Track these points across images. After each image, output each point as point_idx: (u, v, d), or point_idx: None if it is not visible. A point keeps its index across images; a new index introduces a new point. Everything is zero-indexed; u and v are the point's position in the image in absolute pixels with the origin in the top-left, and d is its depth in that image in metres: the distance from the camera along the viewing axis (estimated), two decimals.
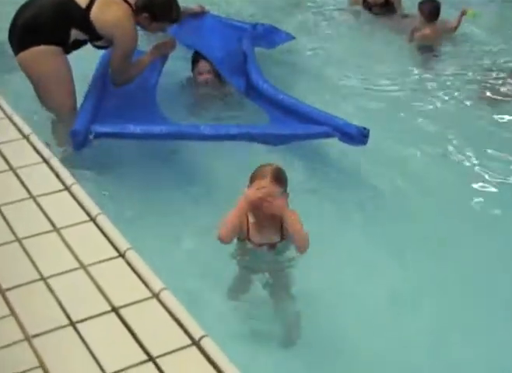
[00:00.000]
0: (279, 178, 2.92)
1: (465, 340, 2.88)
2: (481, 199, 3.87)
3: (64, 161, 3.46)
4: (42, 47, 4.04)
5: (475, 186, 4.00)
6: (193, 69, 4.76)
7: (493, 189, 3.98)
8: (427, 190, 3.95)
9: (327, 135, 3.96)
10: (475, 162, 4.23)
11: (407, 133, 4.59)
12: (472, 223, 3.65)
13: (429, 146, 4.42)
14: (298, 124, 4.13)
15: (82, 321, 2.34)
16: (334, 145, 4.11)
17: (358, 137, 3.86)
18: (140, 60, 4.34)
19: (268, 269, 3.05)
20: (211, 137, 3.88)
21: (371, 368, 2.74)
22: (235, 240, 3.03)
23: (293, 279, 3.06)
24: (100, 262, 2.63)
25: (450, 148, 4.40)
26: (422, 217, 3.69)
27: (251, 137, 3.95)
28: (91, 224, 2.86)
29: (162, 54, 4.55)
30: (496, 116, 4.80)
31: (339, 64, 5.62)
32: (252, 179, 2.95)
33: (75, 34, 4.08)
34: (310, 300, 3.01)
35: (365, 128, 3.85)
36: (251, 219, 2.98)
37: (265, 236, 3.00)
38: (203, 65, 4.69)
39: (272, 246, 3.02)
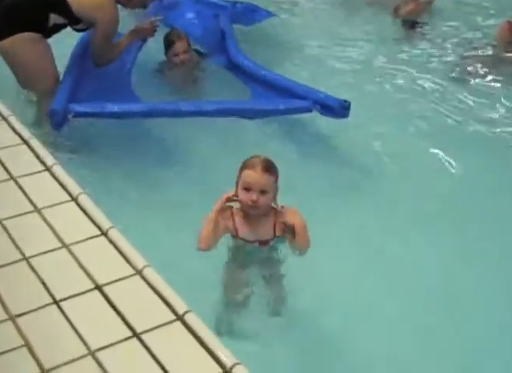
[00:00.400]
0: (270, 168, 2.83)
1: (461, 334, 2.83)
2: (462, 179, 3.88)
3: (44, 142, 3.44)
4: (22, 35, 4.00)
5: (453, 165, 4.00)
6: (166, 52, 4.69)
7: (471, 167, 3.98)
8: (408, 168, 3.96)
9: (308, 109, 3.97)
10: (457, 141, 4.24)
11: (388, 108, 4.61)
12: (457, 203, 3.64)
13: (410, 122, 4.43)
14: (279, 99, 4.13)
15: (65, 299, 2.35)
16: (318, 119, 4.11)
17: (339, 109, 3.87)
18: (119, 41, 4.31)
19: (261, 263, 2.96)
20: (191, 113, 3.87)
21: (367, 365, 2.70)
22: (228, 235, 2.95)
23: (288, 273, 2.96)
24: (83, 241, 2.63)
25: (431, 125, 4.41)
26: (402, 198, 3.68)
27: (231, 113, 3.95)
28: (73, 203, 2.85)
29: (140, 37, 4.51)
30: (474, 93, 4.82)
31: (321, 40, 5.62)
32: (241, 169, 2.85)
33: (53, 19, 4.05)
34: (304, 294, 2.93)
35: (346, 101, 3.86)
36: (239, 217, 2.90)
37: (257, 233, 2.91)
38: (179, 46, 4.61)
39: (264, 243, 2.94)
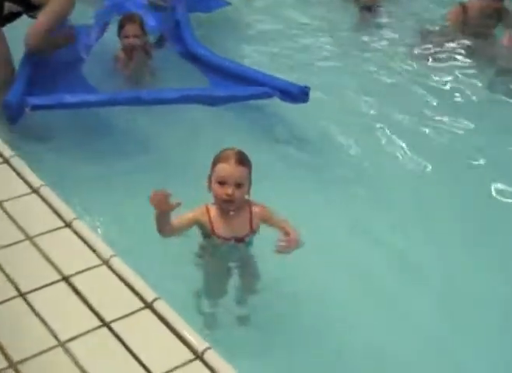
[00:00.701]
0: (243, 160, 2.72)
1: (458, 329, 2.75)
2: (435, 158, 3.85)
3: (1, 134, 3.39)
4: None
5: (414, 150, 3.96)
6: (119, 34, 4.61)
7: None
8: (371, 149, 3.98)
9: (268, 95, 3.98)
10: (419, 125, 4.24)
11: (346, 89, 4.63)
12: (453, 193, 3.57)
13: (376, 106, 4.43)
14: (238, 86, 4.14)
15: (31, 291, 2.32)
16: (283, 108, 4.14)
17: (299, 95, 3.90)
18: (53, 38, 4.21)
19: (238, 262, 2.86)
20: (152, 100, 3.84)
21: (362, 358, 2.61)
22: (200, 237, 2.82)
23: (267, 268, 2.85)
24: (47, 232, 2.60)
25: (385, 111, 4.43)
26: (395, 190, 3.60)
27: (193, 100, 3.94)
28: (34, 195, 2.82)
29: (60, 46, 4.39)
30: (434, 73, 4.90)
31: (279, 28, 5.60)
32: (215, 163, 2.72)
33: (8, 7, 3.97)
34: (284, 289, 2.83)
35: (306, 86, 3.90)
36: (214, 213, 2.76)
37: (233, 229, 2.78)
38: (129, 29, 4.49)
39: (241, 240, 2.81)
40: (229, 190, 2.67)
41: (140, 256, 2.63)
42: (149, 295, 2.30)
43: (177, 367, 2.07)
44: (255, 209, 2.80)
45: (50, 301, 2.29)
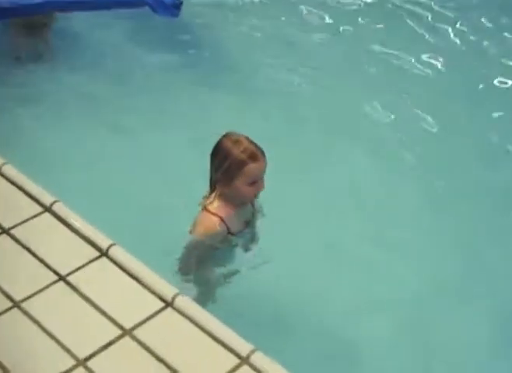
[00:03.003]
0: (262, 149, 2.57)
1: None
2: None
3: None
4: None
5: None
6: None
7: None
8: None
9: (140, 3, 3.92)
10: None
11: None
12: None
13: None
14: None
15: None
16: None
17: (170, 7, 3.85)
18: None
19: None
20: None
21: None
22: None
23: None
24: None
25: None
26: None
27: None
28: None
29: None
30: None
31: None
32: (241, 166, 2.49)
33: None
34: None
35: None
36: (228, 215, 2.60)
37: (244, 219, 2.70)
38: None
39: (247, 223, 2.73)
40: (263, 186, 2.56)
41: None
42: (47, 199, 2.28)
43: (83, 266, 2.09)
44: None
45: None
